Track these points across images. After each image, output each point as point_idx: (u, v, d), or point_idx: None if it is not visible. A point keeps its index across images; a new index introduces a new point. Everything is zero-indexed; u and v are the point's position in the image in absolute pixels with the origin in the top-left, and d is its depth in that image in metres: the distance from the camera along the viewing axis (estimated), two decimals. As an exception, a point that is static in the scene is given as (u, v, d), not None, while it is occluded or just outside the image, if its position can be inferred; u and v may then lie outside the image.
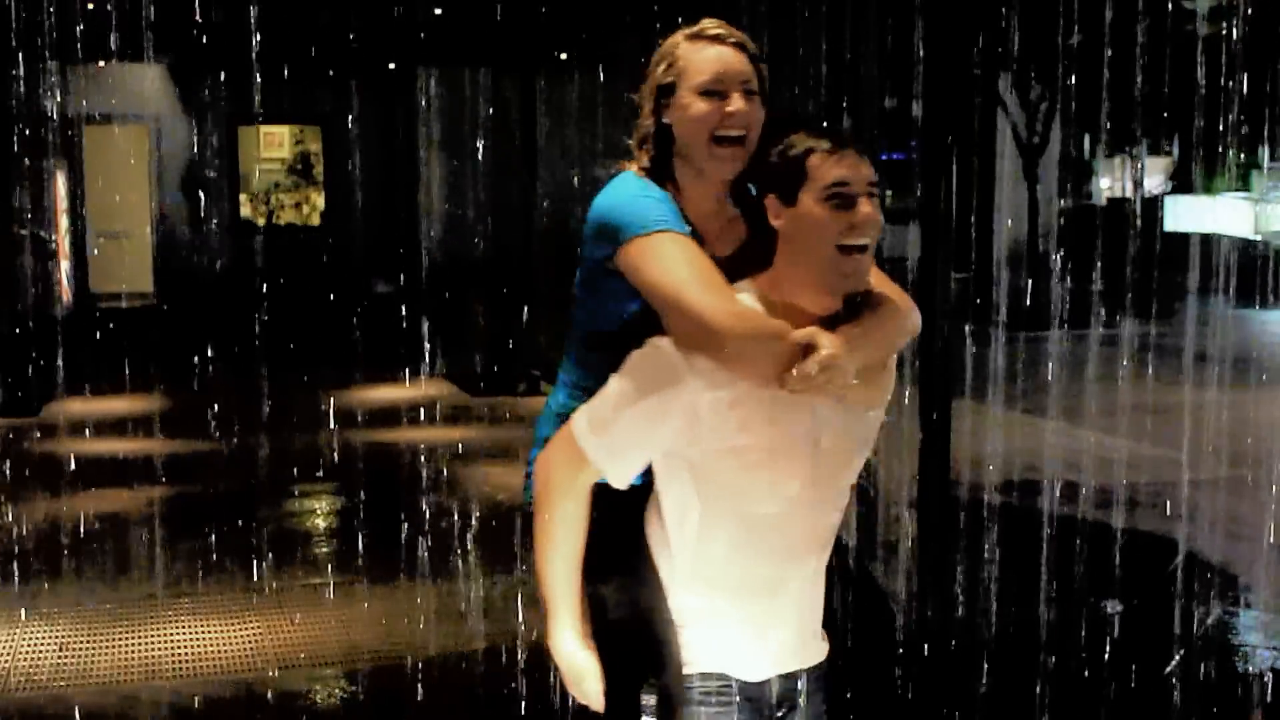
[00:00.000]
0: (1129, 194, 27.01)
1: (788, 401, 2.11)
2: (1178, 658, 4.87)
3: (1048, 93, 16.47)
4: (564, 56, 13.78)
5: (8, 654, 5.11)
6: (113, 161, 15.84)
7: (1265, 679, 4.95)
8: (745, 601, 2.22)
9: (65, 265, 14.73)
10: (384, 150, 16.05)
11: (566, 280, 2.40)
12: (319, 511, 7.52)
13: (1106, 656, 4.93)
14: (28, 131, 12.13)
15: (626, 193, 2.24)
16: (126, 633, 5.35)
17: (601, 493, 2.22)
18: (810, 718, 2.34)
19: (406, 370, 11.06)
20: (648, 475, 2.24)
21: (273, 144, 16.68)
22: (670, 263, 2.12)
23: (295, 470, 8.09)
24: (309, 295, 13.56)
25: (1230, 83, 12.07)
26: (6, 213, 11.37)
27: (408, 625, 5.39)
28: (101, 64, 14.34)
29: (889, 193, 10.40)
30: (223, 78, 15.29)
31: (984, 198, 17.33)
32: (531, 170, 11.75)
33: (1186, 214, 23.95)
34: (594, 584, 2.25)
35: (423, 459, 8.47)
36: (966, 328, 10.19)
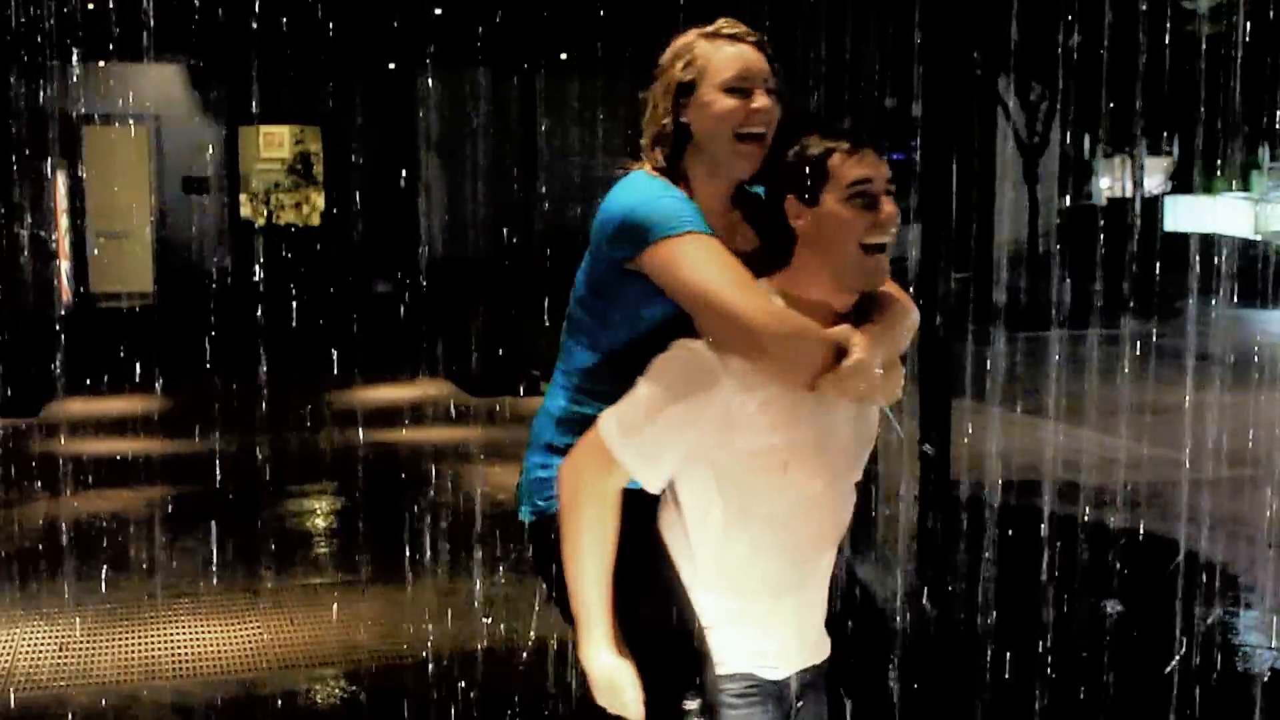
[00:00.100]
0: (1129, 194, 27.02)
1: (813, 402, 2.12)
2: (1178, 658, 4.86)
3: (1048, 93, 16.49)
4: (564, 56, 13.77)
5: (8, 654, 5.11)
6: (113, 161, 15.84)
7: (1265, 679, 4.95)
8: (767, 600, 2.22)
9: (65, 265, 14.73)
10: (384, 150, 16.02)
11: (567, 280, 2.37)
12: (319, 511, 7.52)
13: (1106, 657, 4.93)
14: (28, 131, 12.13)
15: (649, 192, 2.19)
16: (126, 633, 5.35)
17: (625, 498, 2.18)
18: (814, 715, 2.35)
19: (406, 370, 11.07)
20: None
21: (273, 144, 16.66)
22: (704, 264, 2.09)
23: (295, 470, 8.10)
24: (309, 295, 13.55)
25: (1230, 83, 12.07)
26: (7, 213, 11.36)
27: (408, 625, 5.39)
28: (102, 64, 14.33)
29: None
30: (223, 78, 15.30)
31: (984, 198, 17.31)
32: (531, 170, 11.76)
33: (1186, 214, 23.94)
34: (622, 592, 2.17)
35: (423, 459, 8.47)
36: (966, 328, 10.18)
